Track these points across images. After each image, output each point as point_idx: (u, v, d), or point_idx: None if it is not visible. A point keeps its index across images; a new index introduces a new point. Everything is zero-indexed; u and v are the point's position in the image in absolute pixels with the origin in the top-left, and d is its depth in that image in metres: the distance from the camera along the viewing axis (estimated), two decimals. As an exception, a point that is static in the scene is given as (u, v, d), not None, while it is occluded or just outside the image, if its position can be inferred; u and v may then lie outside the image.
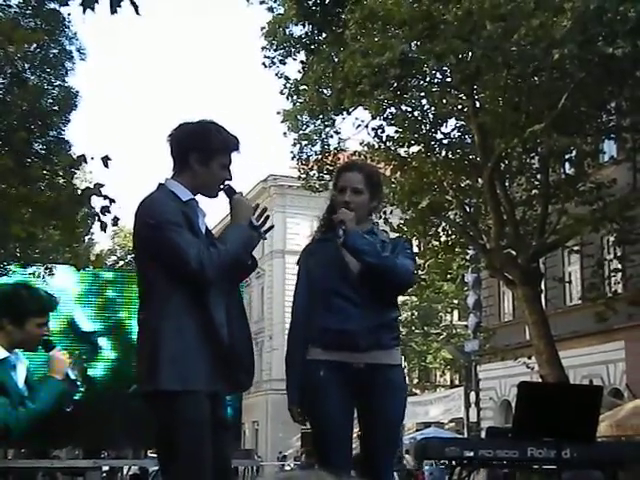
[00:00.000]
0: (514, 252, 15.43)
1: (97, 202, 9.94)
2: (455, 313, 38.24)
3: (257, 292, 44.67)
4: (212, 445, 3.37)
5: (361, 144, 17.50)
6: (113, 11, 6.07)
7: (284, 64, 17.84)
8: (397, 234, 14.13)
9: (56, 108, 16.91)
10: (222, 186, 3.60)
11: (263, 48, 17.84)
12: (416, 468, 21.38)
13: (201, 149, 3.51)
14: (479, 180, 16.14)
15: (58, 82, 17.60)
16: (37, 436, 6.15)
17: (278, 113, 17.84)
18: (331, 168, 16.84)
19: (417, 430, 28.72)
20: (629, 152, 15.59)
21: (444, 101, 16.39)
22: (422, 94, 16.49)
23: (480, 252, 17.42)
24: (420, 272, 17.04)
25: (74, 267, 10.13)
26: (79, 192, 10.80)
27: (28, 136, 14.49)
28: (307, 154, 18.08)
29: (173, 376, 3.32)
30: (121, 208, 10.06)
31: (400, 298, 4.39)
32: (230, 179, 3.60)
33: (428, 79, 15.97)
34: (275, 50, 17.73)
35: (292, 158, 18.31)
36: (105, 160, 9.21)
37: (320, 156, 18.01)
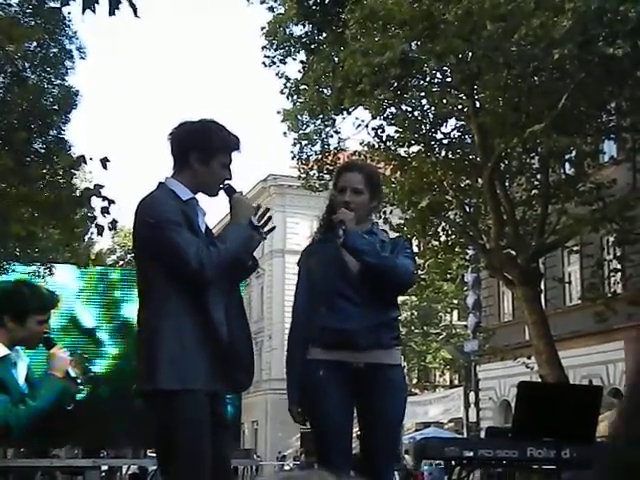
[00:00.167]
0: (514, 252, 15.43)
1: (97, 203, 9.95)
2: (455, 313, 38.24)
3: (257, 292, 44.66)
4: (211, 444, 3.37)
5: (361, 144, 17.51)
6: (111, 13, 6.06)
7: (284, 64, 17.87)
8: (397, 234, 14.14)
9: (56, 107, 16.91)
10: (222, 185, 3.60)
11: (263, 48, 17.86)
12: (415, 468, 21.39)
13: (202, 148, 3.51)
14: (479, 180, 16.14)
15: (58, 81, 17.60)
16: (37, 434, 6.16)
17: (278, 113, 17.84)
18: (331, 168, 16.84)
19: (416, 430, 28.72)
20: (629, 152, 15.59)
21: (444, 101, 16.39)
22: (422, 94, 16.49)
23: (480, 252, 17.42)
24: (420, 272, 17.04)
25: (75, 266, 10.15)
26: (79, 192, 10.81)
27: (28, 135, 14.50)
28: (307, 154, 18.08)
29: (172, 375, 3.32)
30: (120, 209, 10.06)
31: (400, 298, 4.39)
32: (230, 178, 3.60)
33: (428, 79, 15.97)
34: (275, 50, 17.73)
35: (292, 158, 18.31)
36: (104, 162, 9.21)
37: (320, 156, 18.00)
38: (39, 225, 12.49)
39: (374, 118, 16.62)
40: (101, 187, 9.81)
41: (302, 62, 17.62)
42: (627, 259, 16.56)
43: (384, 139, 16.79)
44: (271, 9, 17.93)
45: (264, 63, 17.87)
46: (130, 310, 8.99)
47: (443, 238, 17.62)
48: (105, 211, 9.69)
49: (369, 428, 3.98)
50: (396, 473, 19.48)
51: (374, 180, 4.17)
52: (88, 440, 9.01)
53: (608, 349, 19.39)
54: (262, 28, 17.77)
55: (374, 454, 3.95)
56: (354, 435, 4.04)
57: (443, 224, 17.38)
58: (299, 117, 17.65)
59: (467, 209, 16.92)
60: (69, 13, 17.04)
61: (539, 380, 14.45)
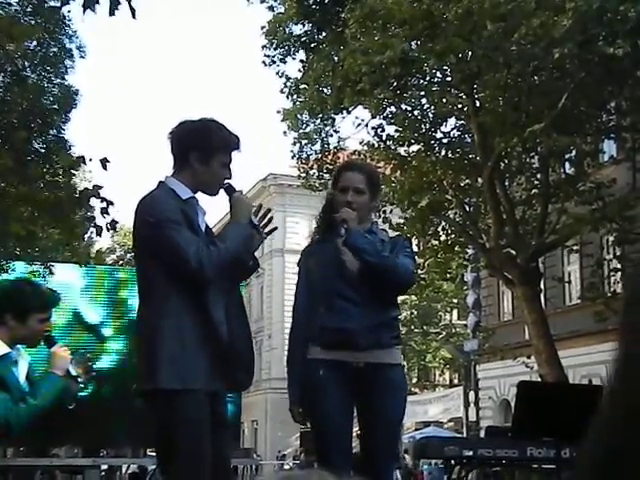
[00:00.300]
0: (513, 251, 15.43)
1: (96, 203, 9.95)
2: (454, 312, 38.24)
3: (256, 291, 44.66)
4: (211, 444, 3.37)
5: (361, 143, 17.50)
6: (111, 13, 6.07)
7: (284, 63, 17.86)
8: (397, 233, 14.12)
9: (56, 107, 16.91)
10: (222, 184, 3.60)
11: (263, 47, 17.85)
12: (414, 467, 21.41)
13: (201, 147, 3.51)
14: (479, 179, 16.13)
15: (58, 80, 17.59)
16: (38, 433, 6.16)
17: (278, 112, 17.83)
18: (331, 167, 16.83)
19: (416, 429, 28.73)
20: (629, 152, 15.58)
21: (444, 100, 16.38)
22: (422, 93, 16.48)
23: (480, 251, 17.42)
24: (420, 271, 17.02)
25: (77, 265, 10.14)
26: (78, 192, 10.81)
27: (28, 135, 14.49)
28: (307, 153, 18.08)
29: (172, 375, 3.32)
30: (119, 212, 10.07)
31: (399, 297, 4.40)
32: (230, 177, 3.60)
33: (428, 78, 15.97)
34: (275, 49, 17.73)
35: (292, 157, 18.30)
36: (104, 162, 9.21)
37: (320, 155, 17.99)
38: (39, 225, 12.49)
39: (374, 117, 16.62)
40: (100, 188, 9.81)
41: (302, 61, 17.62)
42: (627, 259, 16.56)
43: (384, 138, 16.78)
44: (271, 8, 17.94)
45: (264, 62, 17.89)
46: (134, 309, 8.97)
47: (443, 237, 17.61)
48: (104, 212, 9.69)
49: (369, 428, 3.98)
50: (398, 472, 19.52)
51: (374, 180, 4.20)
52: (88, 439, 9.01)
53: (608, 349, 19.25)
54: (262, 27, 17.77)
55: (374, 454, 3.95)
56: (354, 435, 4.05)
57: (443, 223, 17.37)
58: (299, 116, 17.64)
59: (467, 208, 16.92)
60: (69, 12, 17.04)
61: (539, 380, 14.45)
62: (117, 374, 9.06)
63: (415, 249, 16.49)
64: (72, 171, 12.10)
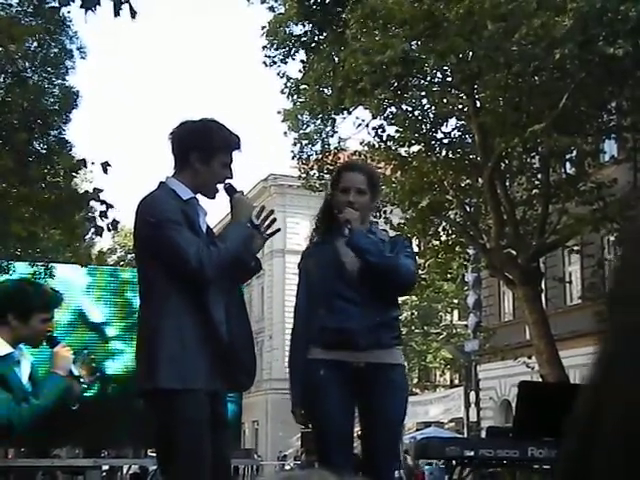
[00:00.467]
0: (514, 252, 15.42)
1: (96, 205, 9.96)
2: (455, 313, 38.21)
3: (257, 292, 44.65)
4: (212, 444, 3.37)
5: (361, 144, 17.49)
6: (116, 14, 6.08)
7: (285, 63, 17.86)
8: (397, 233, 14.12)
9: (57, 107, 16.91)
10: (223, 185, 3.60)
11: (264, 47, 17.85)
12: (415, 467, 21.41)
13: (202, 148, 3.51)
14: (479, 180, 16.12)
15: (59, 81, 17.59)
16: (39, 433, 6.16)
17: (279, 112, 17.83)
18: (331, 168, 16.82)
19: (417, 430, 28.70)
20: (630, 152, 15.57)
21: (444, 101, 16.38)
22: (423, 94, 16.48)
23: (480, 252, 17.41)
24: (420, 271, 17.02)
25: (79, 266, 10.13)
26: (78, 194, 10.82)
27: (29, 136, 14.49)
28: (307, 153, 18.07)
29: (172, 375, 3.32)
30: (120, 212, 10.08)
31: (400, 297, 4.40)
32: (231, 178, 3.61)
33: (429, 78, 15.96)
34: (276, 49, 17.73)
35: (292, 157, 18.30)
36: (104, 166, 9.21)
37: (320, 156, 17.99)
38: (40, 225, 12.49)
39: (374, 118, 16.61)
40: (100, 191, 9.81)
41: (302, 62, 17.62)
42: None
43: (384, 139, 16.78)
44: (271, 9, 17.94)
45: (265, 63, 17.88)
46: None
47: (443, 238, 17.61)
48: (103, 215, 9.70)
49: (370, 428, 3.98)
50: (401, 471, 19.52)
51: (375, 180, 4.22)
52: (89, 440, 9.01)
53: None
54: (262, 28, 17.77)
55: (375, 454, 3.95)
56: (355, 435, 4.05)
57: (443, 224, 17.37)
58: (299, 117, 17.65)
59: (467, 209, 16.91)
60: (69, 12, 17.04)
61: (540, 380, 14.45)
62: (119, 375, 9.06)
63: (416, 249, 16.48)
64: (73, 173, 12.11)
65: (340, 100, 15.45)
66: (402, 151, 17.06)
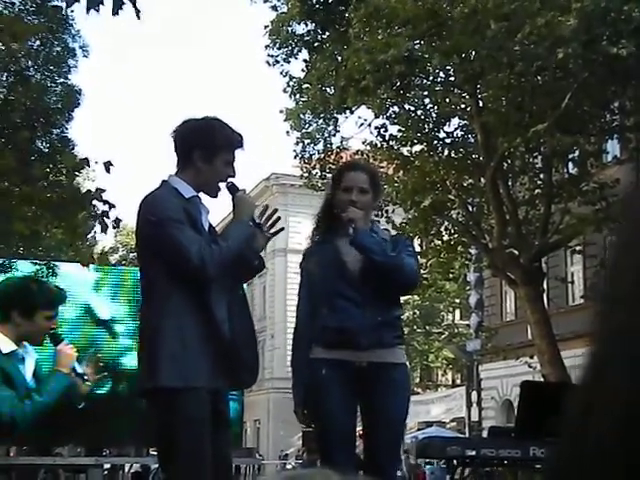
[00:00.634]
0: (516, 252, 15.41)
1: (98, 204, 9.93)
2: (457, 312, 38.21)
3: (259, 291, 44.66)
4: (213, 443, 3.36)
5: (364, 143, 17.49)
6: (114, 12, 6.06)
7: (287, 62, 17.85)
8: (399, 232, 14.11)
9: (59, 106, 16.92)
10: (225, 183, 3.60)
11: (266, 47, 17.85)
12: (417, 466, 21.44)
13: (205, 146, 3.51)
14: (482, 179, 16.11)
15: (61, 80, 17.60)
16: (42, 431, 6.16)
17: (281, 112, 17.83)
18: (333, 167, 16.82)
19: (419, 429, 28.70)
20: (632, 152, 15.55)
21: (447, 100, 16.36)
22: (425, 93, 16.46)
23: (482, 251, 17.40)
24: (422, 271, 17.01)
25: (81, 265, 10.10)
26: (81, 193, 10.80)
27: (31, 134, 14.50)
28: (310, 153, 18.07)
29: (174, 373, 3.32)
30: (121, 213, 10.05)
31: (402, 297, 4.40)
32: (234, 176, 3.60)
33: (431, 78, 15.95)
34: (278, 49, 17.72)
35: (295, 157, 18.30)
36: (107, 165, 9.20)
37: (323, 155, 17.99)
38: (42, 224, 12.49)
39: (377, 117, 16.60)
40: (102, 191, 9.79)
41: (305, 61, 17.62)
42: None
43: (387, 138, 16.77)
44: (274, 8, 17.94)
45: (267, 62, 17.88)
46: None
47: (446, 237, 17.59)
48: (105, 215, 9.68)
49: (372, 427, 3.98)
50: (404, 469, 19.53)
51: (376, 180, 4.24)
52: (91, 438, 9.01)
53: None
54: (265, 27, 17.78)
55: (377, 453, 3.95)
56: (357, 434, 4.05)
57: (446, 223, 17.35)
58: (302, 116, 17.65)
59: (470, 208, 16.90)
60: (72, 12, 17.05)
61: (542, 380, 14.43)
62: (122, 373, 9.04)
63: (418, 249, 16.47)
64: (75, 172, 12.11)
65: (342, 99, 15.45)
66: (404, 150, 17.05)
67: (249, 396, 25.24)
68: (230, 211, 3.65)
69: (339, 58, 15.83)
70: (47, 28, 15.70)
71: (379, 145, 16.95)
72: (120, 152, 33.62)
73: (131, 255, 41.47)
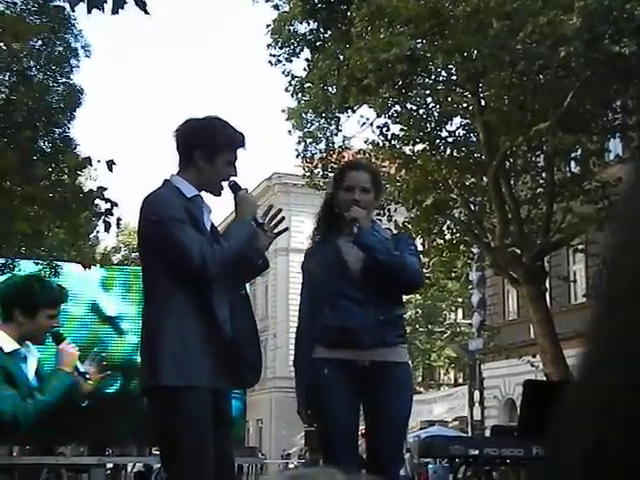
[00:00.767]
0: (519, 251, 15.40)
1: (101, 203, 9.92)
2: (459, 311, 38.21)
3: (261, 290, 44.67)
4: (215, 442, 3.36)
5: (366, 142, 17.47)
6: (114, 11, 6.05)
7: (289, 62, 17.84)
8: (401, 231, 14.10)
9: (61, 105, 16.92)
10: (227, 182, 3.60)
11: (268, 46, 17.84)
12: (419, 466, 21.44)
13: (206, 145, 3.51)
14: (484, 178, 16.10)
15: (63, 79, 17.61)
16: (45, 430, 6.16)
17: (283, 111, 17.83)
18: (335, 166, 16.80)
19: (421, 428, 28.67)
20: (635, 150, 15.52)
21: (449, 99, 16.34)
22: (427, 92, 16.44)
23: (485, 250, 17.39)
24: (424, 270, 16.99)
25: (81, 266, 10.08)
26: (83, 193, 10.79)
27: (33, 134, 14.50)
28: (312, 152, 18.07)
29: (175, 372, 3.32)
30: (123, 213, 10.03)
31: (404, 296, 4.40)
32: (236, 175, 3.60)
33: (433, 77, 15.94)
34: (280, 48, 17.72)
35: (297, 156, 18.29)
36: (110, 164, 9.19)
37: (325, 154, 17.99)
38: (45, 223, 12.49)
39: (379, 116, 16.58)
40: (104, 189, 9.78)
41: (307, 60, 17.61)
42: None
43: (389, 137, 16.75)
44: (276, 7, 17.94)
45: (270, 62, 17.88)
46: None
47: (448, 236, 17.58)
48: (108, 213, 9.66)
49: (374, 426, 3.97)
50: (408, 469, 19.52)
51: (378, 179, 4.25)
52: (94, 437, 9.01)
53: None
54: (267, 26, 17.76)
55: (379, 452, 3.95)
56: (360, 433, 4.04)
57: (448, 222, 17.34)
58: (304, 115, 17.64)
59: (472, 207, 16.88)
60: (74, 11, 17.06)
61: (544, 379, 14.42)
62: (126, 372, 9.03)
63: (420, 248, 16.48)
64: (78, 171, 12.10)
65: (344, 99, 15.44)
66: (406, 150, 17.03)
67: (251, 395, 25.24)
68: (232, 210, 3.65)
69: (341, 57, 15.81)
70: (49, 28, 15.70)
71: (381, 144, 16.94)
72: (122, 152, 33.70)
73: (133, 255, 41.48)
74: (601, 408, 0.61)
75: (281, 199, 41.39)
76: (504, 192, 15.34)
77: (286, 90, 17.71)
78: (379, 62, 13.55)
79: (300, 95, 17.55)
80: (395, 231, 6.26)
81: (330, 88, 16.55)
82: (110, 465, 10.36)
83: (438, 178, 16.49)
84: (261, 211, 3.70)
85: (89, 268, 9.57)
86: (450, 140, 16.88)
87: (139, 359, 3.61)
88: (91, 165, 10.30)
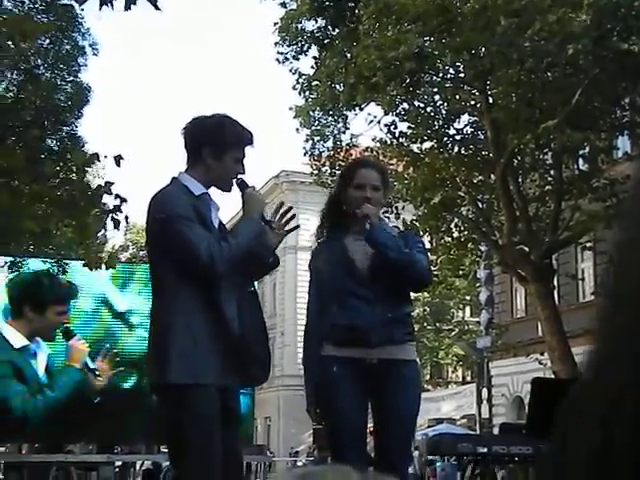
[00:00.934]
0: (527, 248, 15.38)
1: (109, 200, 9.89)
2: (467, 309, 38.18)
3: (269, 288, 44.68)
4: (223, 440, 3.36)
5: (373, 140, 17.49)
6: (127, 8, 6.06)
7: (297, 60, 17.85)
8: (408, 228, 14.09)
9: (69, 104, 16.95)
10: (235, 180, 3.60)
11: (276, 44, 17.85)
12: (427, 463, 21.42)
13: (214, 143, 3.51)
14: (492, 176, 16.08)
15: (71, 78, 17.64)
16: (54, 426, 6.17)
17: (290, 109, 17.84)
18: (343, 164, 16.80)
19: (429, 426, 28.67)
20: (643, 148, 15.52)
21: (457, 97, 16.32)
22: (435, 90, 16.43)
23: (492, 248, 17.37)
24: (432, 268, 16.96)
25: (87, 267, 10.06)
26: (91, 190, 10.78)
27: (41, 133, 14.52)
28: (319, 150, 18.08)
29: (183, 370, 3.32)
30: (131, 211, 10.00)
31: (412, 294, 4.40)
32: (244, 173, 3.60)
33: (441, 75, 15.93)
34: (288, 46, 17.72)
35: (304, 154, 18.31)
36: (117, 159, 9.17)
37: (332, 152, 17.99)
38: (53, 222, 12.50)
39: (386, 114, 16.57)
40: (111, 184, 9.77)
41: (315, 58, 17.61)
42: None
43: (396, 135, 16.75)
44: (283, 5, 17.92)
45: (277, 59, 17.88)
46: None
47: (456, 234, 17.57)
48: (117, 209, 9.65)
49: (383, 424, 3.97)
50: (416, 466, 19.50)
51: (386, 177, 4.26)
52: (103, 435, 9.02)
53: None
54: (275, 24, 17.77)
55: (388, 450, 3.94)
56: (368, 431, 4.04)
57: (456, 220, 17.33)
58: (311, 113, 17.65)
59: (480, 205, 16.87)
60: (82, 10, 17.08)
61: (552, 376, 14.41)
62: (135, 369, 9.03)
63: (428, 246, 16.47)
64: (86, 168, 12.11)
65: (352, 96, 15.44)
66: (414, 147, 17.02)
67: (259, 393, 25.27)
68: (240, 208, 3.65)
69: (349, 55, 15.81)
70: (57, 27, 15.72)
71: (389, 142, 16.94)
72: (129, 150, 33.71)
73: (141, 253, 41.54)
74: (609, 405, 0.61)
75: (289, 197, 41.37)
76: (512, 190, 15.32)
77: (294, 88, 17.72)
78: (387, 60, 13.54)
79: (308, 93, 17.56)
80: (403, 229, 6.26)
81: (338, 86, 16.55)
82: (119, 463, 10.38)
83: (446, 176, 16.47)
84: (269, 209, 3.70)
85: (95, 269, 9.57)
86: (458, 138, 16.87)
87: (147, 357, 3.60)
88: (99, 161, 10.31)
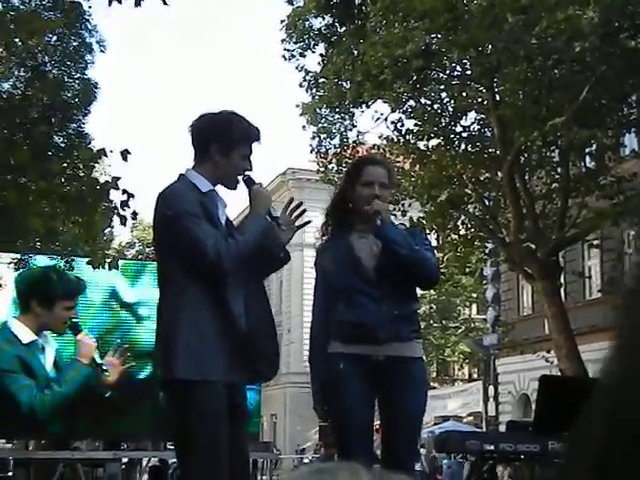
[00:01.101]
0: (533, 246, 15.35)
1: (116, 196, 9.87)
2: (474, 307, 38.15)
3: (276, 285, 44.70)
4: (229, 436, 3.36)
5: (380, 137, 17.48)
6: (137, 4, 6.07)
7: (304, 57, 17.84)
8: (414, 225, 14.08)
9: (76, 101, 16.97)
10: (242, 177, 3.60)
11: (283, 41, 17.84)
12: (434, 461, 21.44)
13: (222, 140, 3.51)
14: (499, 173, 16.06)
15: (78, 75, 17.66)
16: (62, 421, 6.18)
17: (297, 106, 17.84)
18: (350, 161, 16.80)
19: (435, 424, 28.67)
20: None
21: (464, 94, 16.30)
22: (442, 87, 16.42)
23: (499, 246, 17.35)
24: (439, 266, 16.96)
25: (91, 266, 10.06)
26: (99, 185, 10.77)
27: (48, 130, 14.53)
28: (326, 147, 18.08)
29: (190, 367, 3.32)
30: (140, 204, 10.00)
31: (419, 291, 4.40)
32: (251, 169, 3.61)
33: (448, 72, 15.91)
34: (295, 43, 17.71)
35: (311, 151, 18.31)
36: (124, 154, 9.16)
37: (339, 149, 17.99)
38: (59, 219, 12.51)
39: (393, 111, 16.57)
40: (118, 179, 9.74)
41: (321, 55, 17.60)
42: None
43: (403, 132, 16.74)
44: (290, 2, 17.92)
45: (284, 57, 17.88)
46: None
47: (462, 232, 17.56)
48: (124, 204, 9.62)
49: (389, 421, 3.97)
50: (424, 463, 19.49)
51: (393, 174, 4.29)
52: (109, 431, 9.02)
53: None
54: (282, 21, 17.76)
55: (394, 447, 3.94)
56: (375, 428, 4.04)
57: (462, 218, 17.32)
58: (318, 110, 17.65)
59: (487, 203, 16.85)
60: (90, 7, 17.09)
61: (559, 374, 14.39)
62: (140, 366, 9.03)
63: (435, 243, 16.47)
64: (92, 164, 12.10)
65: (359, 94, 15.43)
66: (421, 145, 17.01)
67: (266, 390, 25.24)
68: (247, 205, 3.65)
69: (356, 52, 15.80)
70: (64, 24, 15.74)
71: (395, 139, 16.92)
72: (137, 147, 33.69)
73: (147, 250, 41.58)
74: (635, 404, 0.60)
75: (295, 194, 41.27)
76: (519, 187, 15.30)
77: (300, 85, 17.72)
78: (394, 57, 13.54)
79: (314, 90, 17.56)
80: (408, 226, 6.25)
81: (344, 83, 16.55)
82: (125, 460, 10.37)
83: (453, 173, 16.46)
84: (277, 206, 3.70)
85: (98, 268, 9.55)
86: (465, 135, 16.85)
87: (155, 353, 3.60)
88: (106, 156, 10.28)
